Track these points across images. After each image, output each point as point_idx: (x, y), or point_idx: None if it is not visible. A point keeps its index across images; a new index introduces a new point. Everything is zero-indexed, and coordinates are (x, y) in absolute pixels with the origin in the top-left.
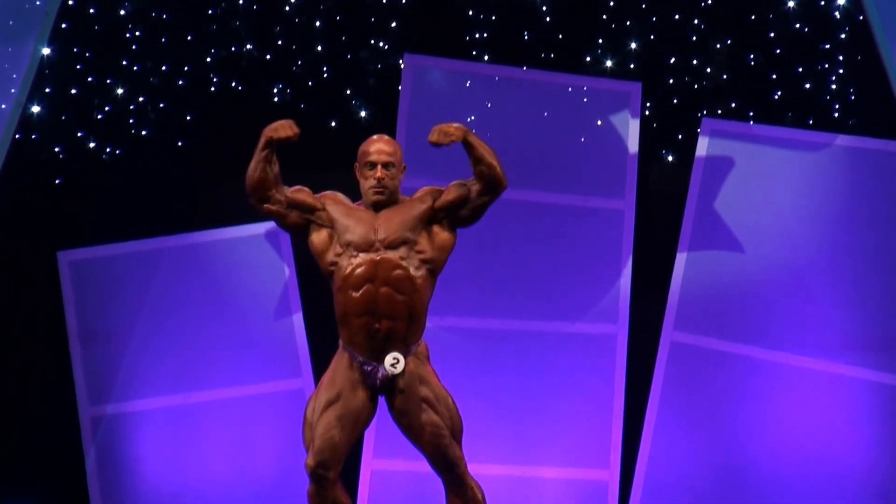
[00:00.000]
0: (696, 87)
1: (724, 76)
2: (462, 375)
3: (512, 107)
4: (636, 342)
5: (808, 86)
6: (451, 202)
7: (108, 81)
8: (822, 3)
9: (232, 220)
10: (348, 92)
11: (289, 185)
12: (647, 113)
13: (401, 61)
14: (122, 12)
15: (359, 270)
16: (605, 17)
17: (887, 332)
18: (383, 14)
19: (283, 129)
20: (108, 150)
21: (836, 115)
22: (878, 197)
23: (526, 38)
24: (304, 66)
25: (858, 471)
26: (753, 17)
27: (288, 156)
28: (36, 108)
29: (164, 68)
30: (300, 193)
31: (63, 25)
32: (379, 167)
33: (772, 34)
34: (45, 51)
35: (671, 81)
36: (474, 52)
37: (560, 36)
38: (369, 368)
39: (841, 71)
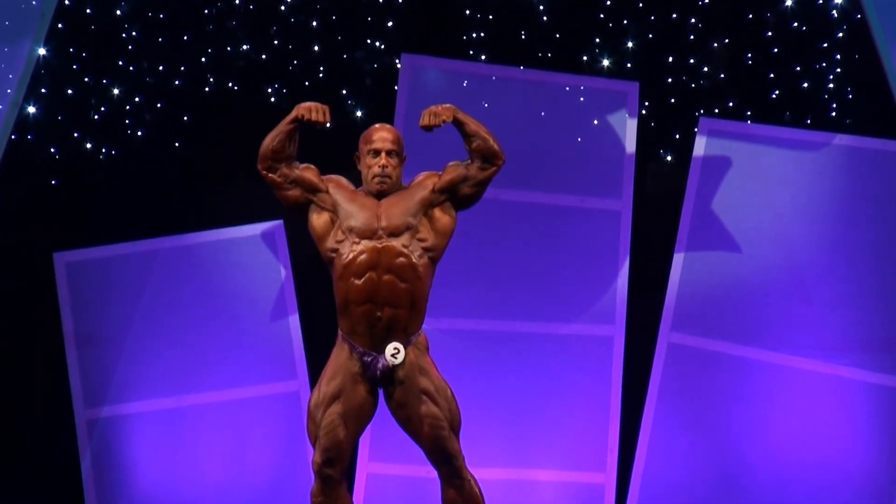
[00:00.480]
0: (693, 86)
1: (722, 75)
2: (458, 377)
3: (509, 107)
4: (633, 343)
5: (805, 85)
6: (452, 181)
7: (105, 82)
8: (820, 1)
9: (228, 222)
10: (344, 92)
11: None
12: (644, 112)
13: (397, 61)
14: (119, 13)
15: (361, 258)
16: (602, 16)
17: (885, 333)
18: (380, 14)
19: (315, 111)
20: (104, 150)
21: (834, 114)
22: (876, 196)
23: (523, 37)
24: (301, 66)
25: (856, 472)
26: (751, 16)
27: None
28: (32, 109)
29: (160, 69)
30: (307, 171)
31: (59, 26)
32: (383, 154)
33: (769, 33)
34: (42, 51)
35: (668, 81)
36: (471, 52)
37: (557, 35)
38: (369, 359)
39: (839, 70)
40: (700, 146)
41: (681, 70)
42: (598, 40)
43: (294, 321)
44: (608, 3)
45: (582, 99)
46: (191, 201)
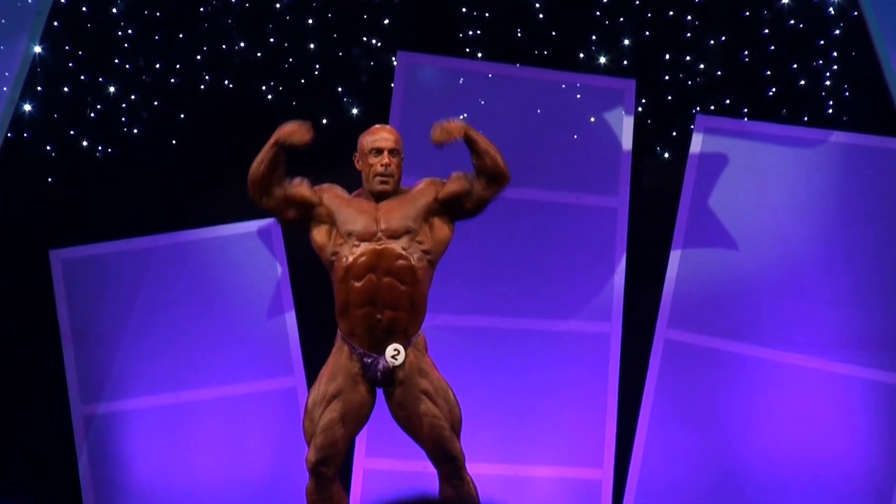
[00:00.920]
0: (690, 83)
1: (719, 73)
2: (454, 373)
3: (505, 104)
4: (630, 340)
5: (802, 82)
6: (455, 193)
7: (101, 80)
8: None
9: (225, 219)
10: (340, 89)
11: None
12: (640, 110)
13: (393, 59)
14: (114, 11)
15: (361, 260)
16: (598, 13)
17: (882, 329)
18: (376, 11)
19: (296, 134)
20: (100, 148)
21: (831, 111)
22: (873, 194)
23: (519, 35)
24: (296, 64)
25: (854, 469)
26: (747, 13)
27: None
28: (28, 107)
29: (156, 67)
30: (299, 188)
31: (55, 24)
32: (385, 153)
33: (766, 31)
34: (37, 49)
35: (665, 78)
36: (467, 50)
37: (553, 33)
38: (369, 360)
39: (835, 67)
40: (697, 143)
41: (677, 67)
42: (594, 38)
43: (290, 318)
44: (604, 0)
45: (578, 96)
46: (187, 199)
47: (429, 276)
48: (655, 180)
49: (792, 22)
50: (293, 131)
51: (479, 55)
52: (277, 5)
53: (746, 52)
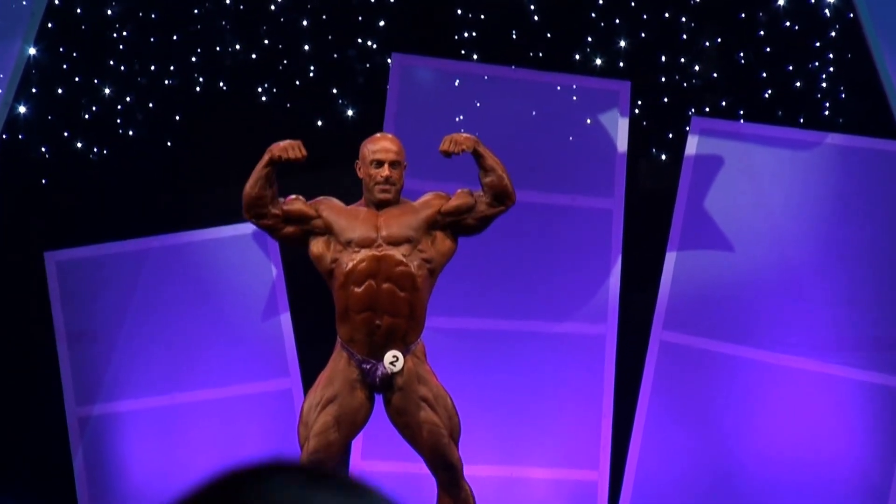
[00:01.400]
0: (685, 85)
1: (714, 74)
2: (450, 375)
3: (500, 106)
4: (625, 342)
5: (798, 84)
6: (458, 208)
7: (95, 81)
8: (813, 0)
9: (219, 221)
10: (335, 91)
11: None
12: (636, 111)
13: (388, 60)
14: (109, 12)
15: (361, 266)
16: (593, 15)
17: (879, 331)
18: (371, 13)
19: (291, 150)
20: (94, 150)
21: (827, 113)
22: (869, 195)
23: (514, 36)
24: (291, 66)
25: (850, 471)
26: (743, 15)
27: None
28: (22, 109)
29: (151, 68)
30: (295, 204)
31: (49, 25)
32: (386, 165)
33: (762, 32)
34: (32, 51)
35: (661, 80)
36: (463, 52)
37: (549, 34)
38: (368, 366)
39: (831, 69)
40: (692, 145)
41: (673, 69)
42: (589, 39)
43: (286, 319)
44: (600, 1)
45: (574, 98)
46: (182, 200)
47: (429, 285)
48: (651, 182)
49: (787, 24)
50: (287, 148)
51: (475, 57)
52: (272, 7)
53: (742, 54)
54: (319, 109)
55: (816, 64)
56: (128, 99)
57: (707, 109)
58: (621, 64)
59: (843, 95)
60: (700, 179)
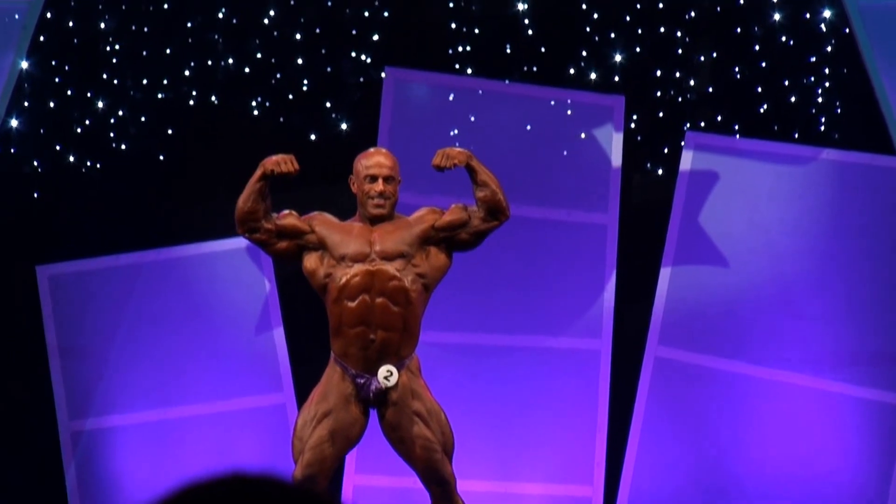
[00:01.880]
0: (680, 100)
1: (709, 89)
2: (445, 390)
3: (495, 120)
4: (620, 357)
5: (793, 99)
6: (451, 223)
7: (88, 95)
8: (808, 15)
9: (212, 235)
10: (328, 105)
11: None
12: (630, 126)
13: (382, 74)
14: (102, 25)
15: (354, 280)
16: (588, 29)
17: (874, 347)
18: (364, 27)
19: (284, 163)
20: (87, 163)
21: (822, 128)
22: (864, 211)
23: (509, 50)
24: (284, 79)
25: (845, 487)
26: (739, 30)
27: None
28: (14, 122)
29: (143, 82)
30: (288, 219)
31: (41, 38)
32: (381, 180)
33: (757, 47)
34: (24, 64)
35: (656, 94)
36: (457, 66)
37: (543, 49)
38: (362, 381)
39: (827, 84)
40: (687, 160)
41: (668, 83)
42: (584, 54)
43: (279, 334)
44: (595, 16)
45: (568, 112)
46: (174, 214)
47: (423, 300)
48: (645, 197)
49: (783, 38)
50: (280, 162)
51: (469, 71)
52: (265, 20)
53: (737, 69)
54: (313, 123)
55: (812, 79)
56: (120, 112)
57: (702, 124)
58: (616, 78)
59: (839, 110)
60: (695, 194)
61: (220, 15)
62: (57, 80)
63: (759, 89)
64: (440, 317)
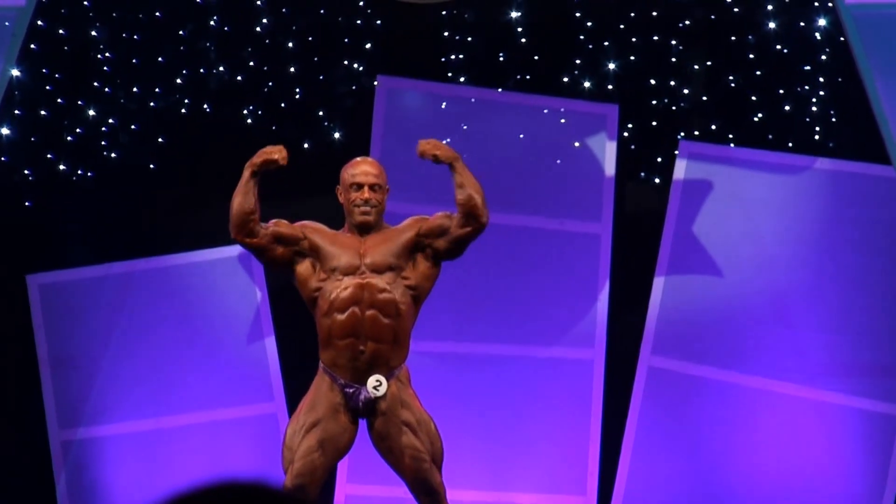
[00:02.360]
0: (674, 108)
1: (703, 98)
2: (436, 400)
3: (488, 129)
4: (613, 367)
5: (788, 108)
6: (432, 229)
7: (79, 103)
8: (803, 24)
9: (203, 244)
10: (321, 113)
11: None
12: (624, 135)
13: (375, 83)
14: (93, 33)
15: (344, 294)
16: (581, 37)
17: (869, 357)
18: (357, 35)
19: (273, 153)
20: (78, 172)
21: (817, 137)
22: (859, 220)
23: (502, 59)
24: (277, 88)
25: (840, 498)
26: (733, 37)
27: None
28: (5, 131)
29: (135, 90)
30: (280, 226)
31: (32, 46)
32: (366, 188)
33: (751, 55)
34: (14, 72)
35: (649, 103)
36: (449, 74)
37: (536, 57)
38: (351, 391)
39: (822, 93)
40: (681, 169)
41: (662, 92)
42: (578, 62)
43: (270, 343)
44: (588, 24)
45: (562, 121)
46: (166, 223)
47: (413, 312)
48: (639, 206)
49: (778, 47)
50: (271, 151)
51: (462, 79)
52: (257, 29)
53: (731, 78)
54: (305, 132)
55: (807, 88)
56: (112, 121)
57: (696, 133)
58: (609, 87)
59: (834, 119)
60: (689, 204)
61: (213, 23)
62: (48, 88)
63: (754, 98)
64: (433, 326)
